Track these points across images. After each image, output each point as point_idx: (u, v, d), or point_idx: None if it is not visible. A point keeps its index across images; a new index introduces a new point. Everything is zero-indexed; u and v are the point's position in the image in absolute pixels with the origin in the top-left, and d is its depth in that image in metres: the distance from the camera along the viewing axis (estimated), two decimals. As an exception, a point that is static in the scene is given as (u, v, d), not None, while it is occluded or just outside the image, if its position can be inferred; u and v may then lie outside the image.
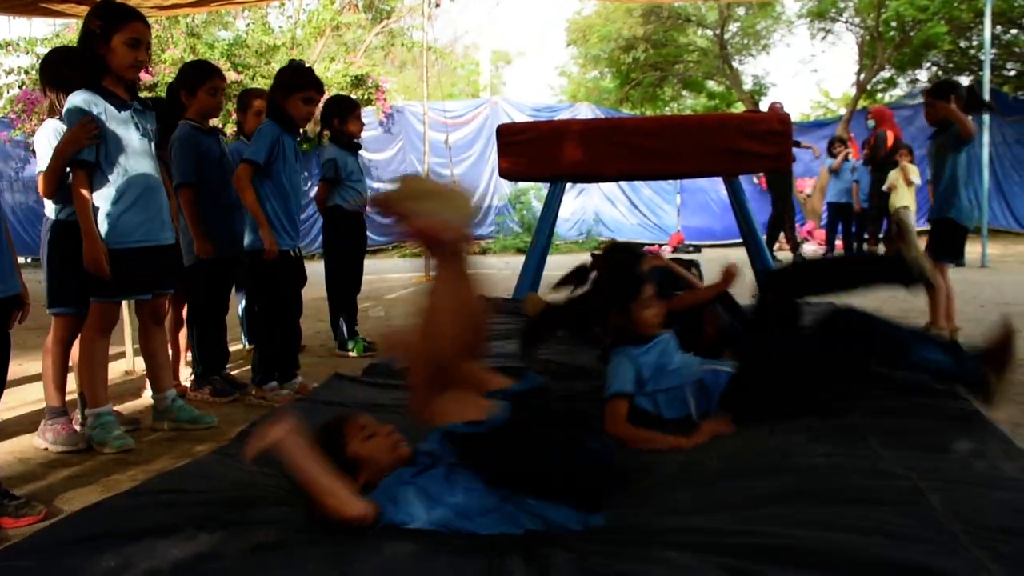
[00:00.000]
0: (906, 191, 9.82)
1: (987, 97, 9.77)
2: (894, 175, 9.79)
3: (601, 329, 3.19)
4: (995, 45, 13.53)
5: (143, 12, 3.14)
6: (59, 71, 3.25)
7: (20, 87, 12.94)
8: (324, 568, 1.51)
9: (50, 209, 3.23)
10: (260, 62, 13.43)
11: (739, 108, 18.63)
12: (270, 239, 3.67)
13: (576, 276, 3.73)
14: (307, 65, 4.12)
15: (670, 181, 14.50)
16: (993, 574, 1.37)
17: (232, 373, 4.21)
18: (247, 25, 14.73)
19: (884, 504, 1.68)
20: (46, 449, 3.12)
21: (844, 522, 1.60)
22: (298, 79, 3.83)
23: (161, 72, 12.33)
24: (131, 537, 1.65)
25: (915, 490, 1.74)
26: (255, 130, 3.97)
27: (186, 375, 4.18)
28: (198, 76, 3.97)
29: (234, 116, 6.20)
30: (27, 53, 12.88)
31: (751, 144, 5.66)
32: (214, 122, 4.30)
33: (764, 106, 15.53)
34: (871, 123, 10.39)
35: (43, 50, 12.15)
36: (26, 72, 12.81)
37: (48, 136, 3.18)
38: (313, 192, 8.84)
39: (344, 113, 4.93)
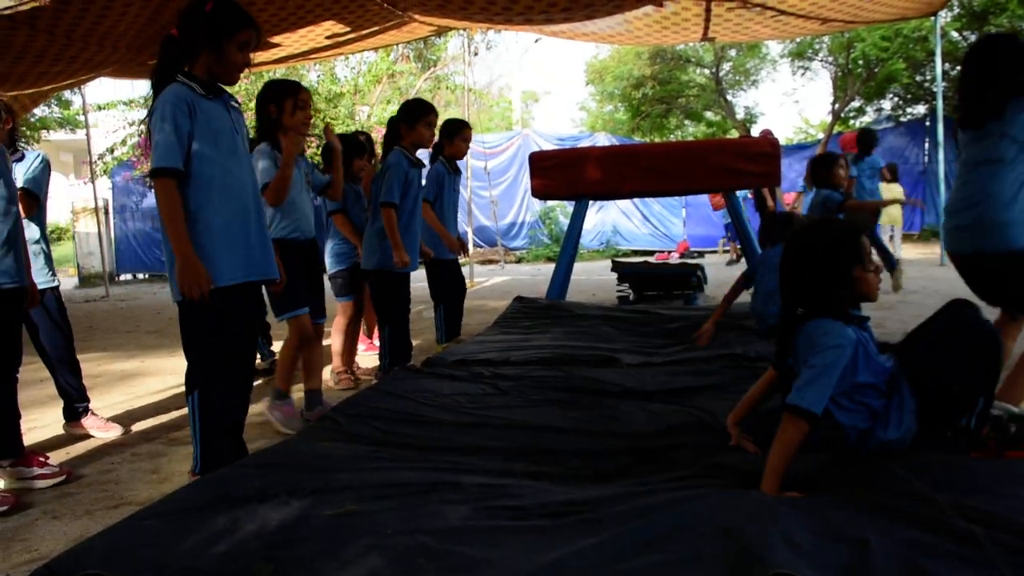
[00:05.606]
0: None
1: (940, 122, 9.72)
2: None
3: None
4: (945, 79, 13.48)
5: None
6: None
7: (139, 136, 13.21)
8: (400, 529, 1.51)
9: None
10: (328, 107, 13.56)
11: (733, 134, 18.46)
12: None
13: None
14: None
15: (676, 197, 14.40)
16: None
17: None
18: (318, 76, 14.88)
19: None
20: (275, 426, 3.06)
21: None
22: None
23: (249, 119, 12.45)
24: (235, 503, 1.66)
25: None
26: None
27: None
28: (419, 111, 3.76)
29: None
30: (146, 107, 13.12)
31: (745, 164, 5.57)
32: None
33: (756, 132, 15.35)
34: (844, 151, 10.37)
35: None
36: (142, 123, 13.07)
37: None
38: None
39: None
